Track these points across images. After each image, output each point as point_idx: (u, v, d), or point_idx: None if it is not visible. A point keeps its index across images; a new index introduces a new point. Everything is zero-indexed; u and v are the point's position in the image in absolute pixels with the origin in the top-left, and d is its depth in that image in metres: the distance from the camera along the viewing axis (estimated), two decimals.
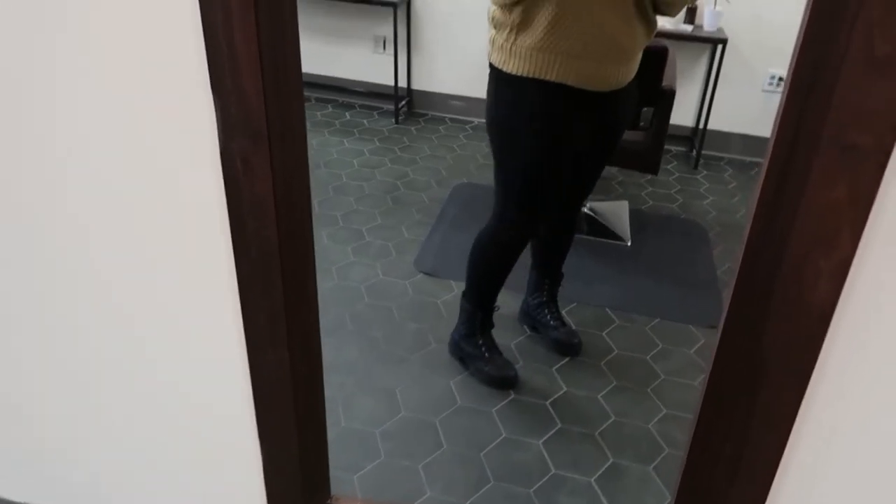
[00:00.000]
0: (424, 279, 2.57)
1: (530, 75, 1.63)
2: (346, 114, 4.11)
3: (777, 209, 0.77)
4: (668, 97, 2.40)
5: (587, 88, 1.65)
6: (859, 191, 0.73)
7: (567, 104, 1.67)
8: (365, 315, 2.36)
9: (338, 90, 4.22)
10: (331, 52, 4.15)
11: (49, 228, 1.05)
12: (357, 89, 4.19)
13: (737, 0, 3.33)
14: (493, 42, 1.69)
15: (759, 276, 0.83)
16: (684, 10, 3.33)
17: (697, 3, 3.40)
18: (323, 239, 2.80)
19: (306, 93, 4.25)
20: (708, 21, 3.35)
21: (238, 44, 0.82)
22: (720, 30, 3.39)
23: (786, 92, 0.71)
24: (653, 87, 2.40)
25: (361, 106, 4.20)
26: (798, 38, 0.68)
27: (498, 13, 1.64)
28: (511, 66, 1.65)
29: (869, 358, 0.85)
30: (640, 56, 1.74)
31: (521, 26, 1.59)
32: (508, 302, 2.36)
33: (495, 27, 1.67)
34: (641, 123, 2.47)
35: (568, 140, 1.75)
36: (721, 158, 3.73)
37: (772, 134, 0.74)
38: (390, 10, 3.80)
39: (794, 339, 0.85)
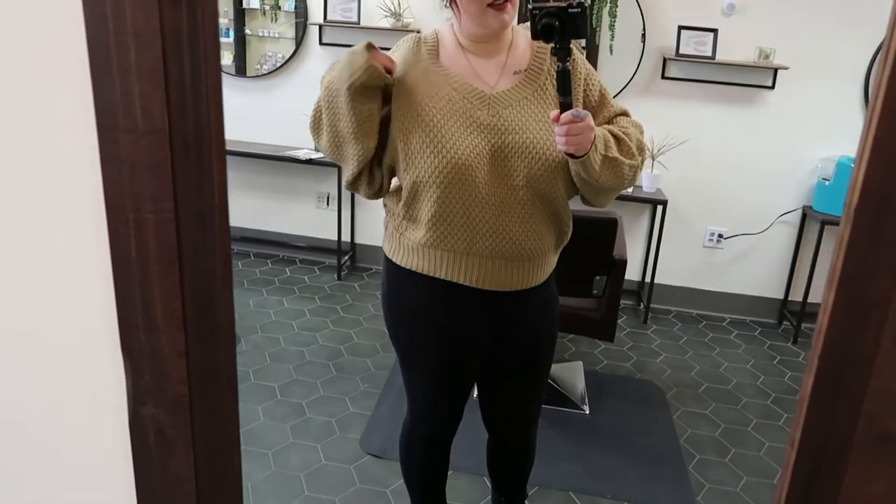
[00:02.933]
0: (371, 462, 2.34)
1: (419, 271, 1.48)
2: (287, 270, 3.97)
3: None
4: (619, 266, 2.36)
5: (481, 288, 1.46)
6: None
7: (462, 305, 1.49)
8: None
9: (279, 245, 4.11)
10: (273, 208, 4.08)
11: None
12: (299, 244, 4.09)
13: (673, 164, 3.47)
14: (385, 226, 1.56)
15: None
16: None
17: None
18: (258, 416, 2.55)
19: (245, 248, 4.12)
20: (647, 183, 3.45)
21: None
22: (659, 191, 3.49)
23: (809, 389, 0.60)
24: (604, 257, 2.37)
25: (303, 261, 4.09)
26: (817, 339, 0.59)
27: (387, 199, 1.53)
28: (400, 258, 1.51)
29: None
30: (550, 259, 1.53)
31: (408, 217, 1.46)
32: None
33: (386, 212, 1.54)
34: (595, 292, 2.42)
35: (464, 345, 1.55)
36: (669, 311, 3.73)
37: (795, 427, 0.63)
38: (335, 169, 3.80)
39: None
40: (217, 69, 0.69)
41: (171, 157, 0.67)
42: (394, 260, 1.52)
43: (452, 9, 1.40)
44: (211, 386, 0.75)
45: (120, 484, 0.79)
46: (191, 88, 0.67)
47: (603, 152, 1.35)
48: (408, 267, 1.49)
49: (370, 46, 1.34)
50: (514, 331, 1.56)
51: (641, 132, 1.48)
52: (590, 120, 1.29)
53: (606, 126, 1.43)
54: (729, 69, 3.36)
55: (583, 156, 1.32)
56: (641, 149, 1.45)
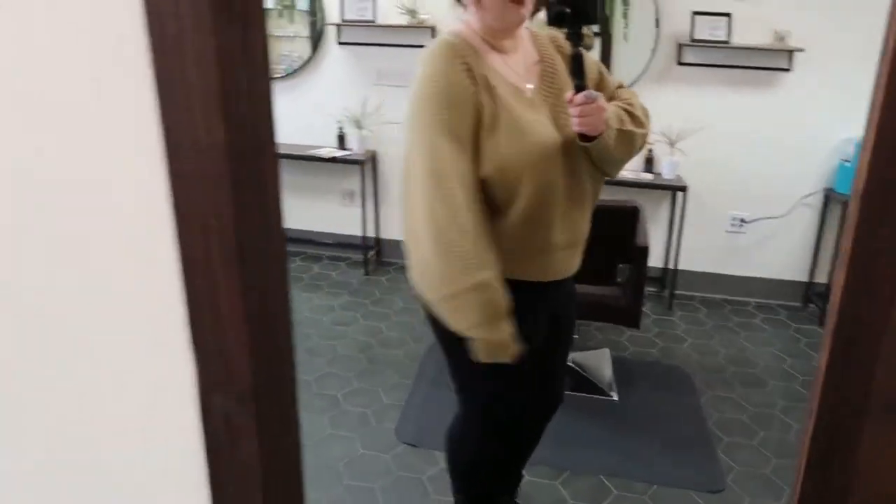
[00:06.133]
0: (407, 451, 2.41)
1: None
2: (314, 266, 4.06)
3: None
4: (642, 254, 2.41)
5: (540, 280, 1.53)
6: None
7: (529, 297, 1.51)
8: (345, 501, 2.17)
9: (305, 242, 4.20)
10: (298, 206, 4.16)
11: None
12: (325, 241, 4.17)
13: (692, 150, 3.49)
14: None
15: None
16: (642, 160, 3.48)
17: (654, 153, 3.54)
18: None
19: None
20: (666, 170, 3.48)
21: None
22: (679, 177, 3.51)
23: (826, 355, 0.65)
24: (626, 245, 2.41)
25: (329, 257, 4.17)
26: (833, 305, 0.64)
27: None
28: None
29: None
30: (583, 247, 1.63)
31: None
32: None
33: None
34: (619, 279, 2.47)
35: (534, 334, 1.57)
36: (693, 297, 3.75)
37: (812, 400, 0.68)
38: (358, 167, 3.87)
39: None
40: (268, 84, 0.76)
41: (231, 168, 0.74)
42: None
43: (469, 5, 1.42)
44: (273, 376, 0.82)
45: (193, 471, 0.86)
46: (246, 104, 0.74)
47: (618, 126, 1.44)
48: None
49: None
50: (567, 308, 1.71)
51: (637, 97, 1.60)
52: (602, 101, 1.38)
53: (615, 103, 1.52)
54: (745, 53, 3.37)
55: (596, 135, 1.40)
56: (647, 115, 1.57)
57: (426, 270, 1.41)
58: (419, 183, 1.37)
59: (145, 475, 0.88)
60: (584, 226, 1.55)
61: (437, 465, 2.33)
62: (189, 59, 0.71)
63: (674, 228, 3.65)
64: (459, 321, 1.39)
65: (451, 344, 1.51)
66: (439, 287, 1.39)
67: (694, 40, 3.36)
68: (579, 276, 1.65)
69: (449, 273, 1.36)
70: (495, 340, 1.39)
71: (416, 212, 1.38)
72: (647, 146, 3.50)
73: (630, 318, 2.52)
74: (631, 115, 1.50)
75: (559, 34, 1.51)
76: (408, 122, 1.41)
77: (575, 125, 1.38)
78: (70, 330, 0.82)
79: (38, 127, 0.75)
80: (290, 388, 0.86)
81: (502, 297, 1.38)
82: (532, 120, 1.41)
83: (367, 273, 3.97)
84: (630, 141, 1.49)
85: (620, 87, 1.60)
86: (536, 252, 1.49)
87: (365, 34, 3.78)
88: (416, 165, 1.38)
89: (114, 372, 0.83)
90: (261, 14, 0.73)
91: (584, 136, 1.41)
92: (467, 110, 1.36)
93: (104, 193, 0.77)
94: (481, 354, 1.41)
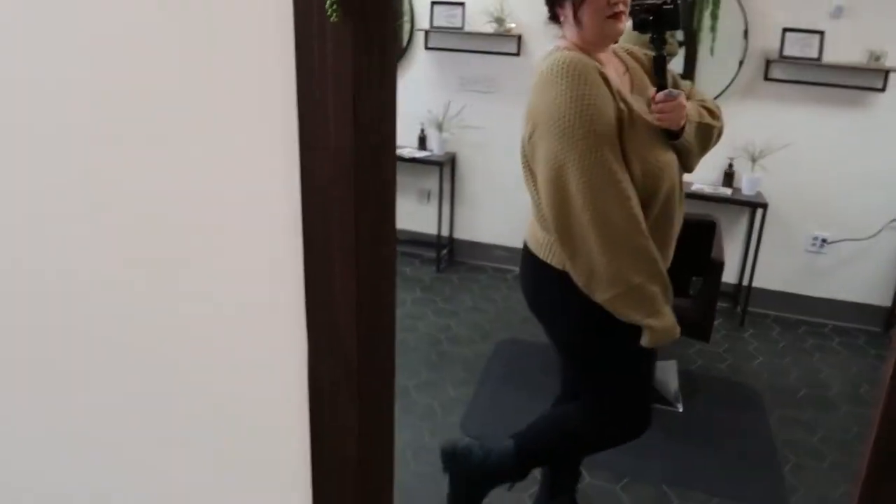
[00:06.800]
0: None
1: None
2: None
3: None
4: (717, 268, 2.42)
5: None
6: None
7: None
8: (411, 485, 2.28)
9: None
10: None
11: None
12: (400, 237, 4.31)
13: (774, 168, 3.44)
14: (548, 245, 1.63)
15: None
16: (722, 174, 3.45)
17: (734, 168, 3.51)
18: None
19: None
20: (746, 186, 3.44)
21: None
22: (759, 194, 3.47)
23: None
24: (701, 258, 2.43)
25: (403, 254, 4.31)
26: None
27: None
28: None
29: None
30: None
31: None
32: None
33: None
34: (691, 292, 2.49)
35: None
36: (766, 316, 3.70)
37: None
38: (437, 167, 4.00)
39: None
40: (393, 99, 0.87)
41: (356, 167, 0.85)
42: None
43: (567, 22, 1.54)
44: (376, 353, 0.93)
45: (297, 431, 0.98)
46: (373, 114, 0.85)
47: (698, 119, 1.62)
48: None
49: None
50: None
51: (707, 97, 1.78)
52: (682, 98, 1.52)
53: (691, 101, 1.67)
54: (836, 71, 3.30)
55: (677, 130, 1.55)
56: (719, 108, 1.73)
57: (596, 270, 1.50)
58: (584, 193, 1.45)
59: (259, 426, 1.01)
60: (682, 219, 1.68)
61: None
62: (328, 76, 0.82)
63: (750, 245, 3.61)
64: (636, 312, 1.51)
65: (589, 338, 1.66)
66: (619, 282, 1.49)
67: (783, 56, 3.32)
68: None
69: (629, 268, 1.48)
70: (668, 326, 1.53)
71: (582, 220, 1.47)
72: (728, 160, 3.48)
73: (700, 331, 2.53)
74: (708, 109, 1.68)
75: (633, 46, 1.68)
76: (553, 136, 1.46)
77: (656, 121, 1.53)
78: (207, 297, 0.96)
79: (208, 129, 0.88)
80: (389, 366, 0.97)
81: (669, 285, 1.55)
82: (662, 138, 1.57)
83: (438, 270, 4.09)
84: (708, 134, 1.66)
85: (692, 88, 1.76)
86: (665, 245, 1.61)
87: (452, 40, 3.89)
88: (575, 178, 1.45)
89: (243, 342, 0.96)
90: (392, 39, 0.84)
91: (670, 133, 1.56)
92: (613, 121, 1.47)
93: (248, 181, 0.89)
94: (650, 341, 1.53)
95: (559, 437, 1.90)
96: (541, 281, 1.70)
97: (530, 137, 1.53)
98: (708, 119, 1.65)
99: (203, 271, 0.94)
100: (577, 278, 1.54)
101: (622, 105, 1.49)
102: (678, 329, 1.56)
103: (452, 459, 1.97)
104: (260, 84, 0.84)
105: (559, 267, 1.60)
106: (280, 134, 0.85)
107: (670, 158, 1.58)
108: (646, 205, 1.53)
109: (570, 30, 1.54)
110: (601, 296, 1.52)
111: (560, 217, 1.50)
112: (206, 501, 1.09)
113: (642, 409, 1.79)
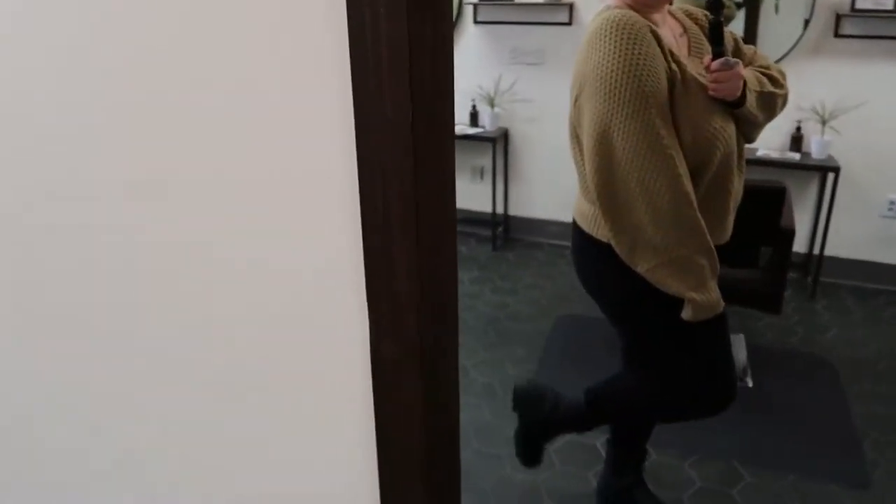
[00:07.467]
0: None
1: None
2: None
3: None
4: (787, 236, 2.31)
5: (717, 243, 1.57)
6: None
7: None
8: (473, 464, 2.28)
9: None
10: None
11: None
12: None
13: (846, 129, 3.25)
14: (594, 217, 1.59)
15: None
16: (789, 138, 3.29)
17: (802, 131, 3.34)
18: None
19: None
20: (816, 150, 3.27)
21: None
22: (830, 157, 3.29)
23: None
24: (770, 227, 2.32)
25: (459, 233, 4.28)
26: None
27: None
28: None
29: None
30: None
31: None
32: None
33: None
34: (760, 263, 2.38)
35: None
36: (840, 286, 3.52)
37: None
38: (489, 144, 3.94)
39: None
40: (450, 70, 0.83)
41: (413, 142, 0.82)
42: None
43: None
44: (438, 328, 0.91)
45: (361, 409, 0.97)
46: (429, 85, 0.82)
47: (759, 89, 1.51)
48: None
49: None
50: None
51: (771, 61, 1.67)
52: (739, 68, 1.43)
53: (751, 67, 1.58)
54: None
55: (734, 100, 1.46)
56: (784, 76, 1.62)
57: (640, 238, 1.45)
58: (630, 158, 1.39)
59: (323, 403, 1.00)
60: (742, 189, 1.60)
61: (563, 438, 2.38)
62: (383, 45, 0.79)
63: (821, 212, 3.43)
64: (681, 283, 1.46)
65: (637, 312, 1.62)
66: (662, 252, 1.44)
67: (855, 10, 3.12)
68: (719, 257, 1.63)
69: (674, 238, 1.43)
70: (712, 301, 1.47)
71: (628, 186, 1.40)
72: (795, 123, 3.32)
73: (771, 303, 2.43)
74: (770, 77, 1.57)
75: (693, 7, 1.60)
76: (599, 97, 1.40)
77: (710, 90, 1.44)
78: (263, 277, 0.95)
79: (258, 106, 0.87)
80: (452, 344, 0.94)
81: (717, 259, 1.48)
82: (718, 105, 1.48)
83: (494, 249, 4.05)
84: (771, 103, 1.56)
85: (755, 53, 1.66)
86: (721, 216, 1.55)
87: (501, 13, 3.81)
88: (621, 141, 1.39)
89: (304, 318, 0.95)
90: (448, 6, 0.80)
91: (730, 102, 1.47)
92: (664, 83, 1.40)
93: (302, 157, 0.88)
94: (693, 314, 1.48)
95: (629, 402, 1.88)
96: (587, 254, 1.67)
97: (576, 100, 1.48)
98: (770, 87, 1.55)
99: (263, 246, 0.93)
100: (620, 249, 1.49)
101: (674, 66, 1.42)
102: (722, 304, 1.50)
103: (524, 401, 1.98)
104: (315, 55, 0.82)
105: (604, 240, 1.56)
106: (335, 105, 0.83)
107: (727, 126, 1.48)
108: (697, 173, 1.46)
109: None
110: (644, 265, 1.47)
111: (603, 183, 1.44)
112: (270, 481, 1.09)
113: (711, 383, 1.71)
